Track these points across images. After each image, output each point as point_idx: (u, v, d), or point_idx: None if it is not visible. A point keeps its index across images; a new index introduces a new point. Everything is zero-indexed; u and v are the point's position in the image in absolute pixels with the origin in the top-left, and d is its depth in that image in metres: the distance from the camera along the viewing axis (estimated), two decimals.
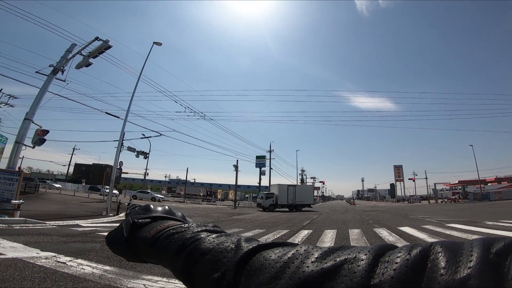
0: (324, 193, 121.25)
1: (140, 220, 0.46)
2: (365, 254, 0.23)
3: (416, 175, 64.06)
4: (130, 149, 23.77)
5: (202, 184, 79.74)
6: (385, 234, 8.50)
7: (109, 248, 0.51)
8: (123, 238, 0.45)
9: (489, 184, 57.55)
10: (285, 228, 10.99)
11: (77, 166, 66.21)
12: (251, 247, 0.29)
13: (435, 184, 62.12)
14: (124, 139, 19.49)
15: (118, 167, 19.61)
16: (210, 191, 58.98)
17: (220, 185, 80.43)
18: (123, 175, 40.15)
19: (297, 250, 0.26)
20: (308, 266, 0.24)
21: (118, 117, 18.41)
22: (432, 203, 48.81)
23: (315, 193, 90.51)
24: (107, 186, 28.23)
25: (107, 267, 4.33)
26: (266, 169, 43.91)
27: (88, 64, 13.55)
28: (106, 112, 18.75)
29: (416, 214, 18.12)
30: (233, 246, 0.30)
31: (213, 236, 0.35)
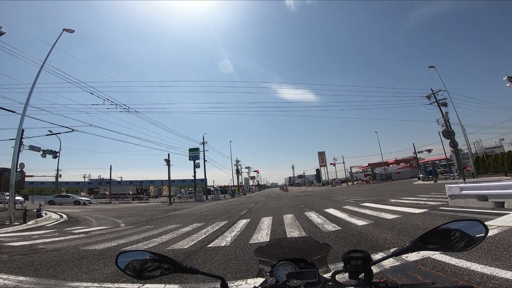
0: (260, 182, 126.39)
1: None
2: None
3: (336, 160, 72.27)
4: (33, 148, 20.10)
5: (131, 182, 73.21)
6: (314, 217, 9.48)
7: None
8: None
9: (391, 165, 69.46)
10: (223, 219, 11.12)
11: None
12: None
13: (350, 167, 71.88)
14: (24, 137, 16.37)
15: (18, 169, 16.30)
16: (141, 189, 54.63)
17: (152, 182, 75.14)
18: (28, 179, 33.65)
19: None
20: None
21: (14, 112, 15.19)
22: (349, 185, 56.27)
23: (251, 182, 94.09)
24: (7, 193, 23.35)
25: (21, 278, 3.82)
26: (201, 161, 43.19)
27: None
28: None
29: (338, 196, 20.67)
30: None
31: None
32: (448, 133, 26.57)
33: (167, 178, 36.46)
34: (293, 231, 7.15)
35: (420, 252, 3.53)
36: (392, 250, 0.96)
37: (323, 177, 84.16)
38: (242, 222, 9.65)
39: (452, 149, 26.77)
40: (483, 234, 0.85)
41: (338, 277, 0.95)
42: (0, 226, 10.42)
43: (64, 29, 15.77)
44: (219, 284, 0.96)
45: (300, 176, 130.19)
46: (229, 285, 0.97)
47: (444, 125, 27.95)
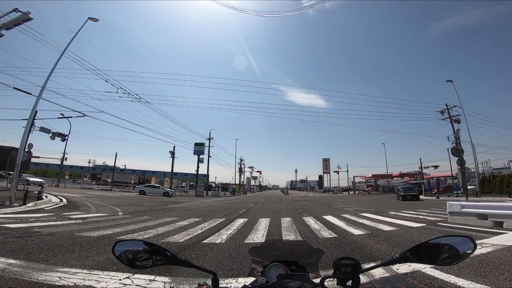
0: (261, 183, 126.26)
1: None
2: None
3: (340, 168, 72.15)
4: (43, 129, 20.47)
5: (133, 171, 73.97)
6: (312, 222, 9.42)
7: None
8: None
9: (395, 178, 68.60)
10: (221, 216, 11.13)
11: None
12: None
13: (354, 177, 71.25)
14: (36, 118, 16.70)
15: (26, 149, 16.56)
16: (143, 179, 54.97)
17: (154, 172, 75.90)
18: (34, 160, 34.24)
19: None
20: None
21: (30, 94, 15.60)
22: (351, 194, 55.83)
23: (253, 182, 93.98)
24: (26, 175, 24.12)
25: (12, 260, 3.81)
26: (205, 156, 43.28)
27: None
28: (14, 87, 15.75)
29: (338, 204, 20.53)
30: None
31: None
32: (457, 151, 26.20)
33: (170, 170, 36.63)
34: (290, 235, 7.12)
35: (412, 265, 3.50)
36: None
37: (325, 184, 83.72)
38: (240, 221, 9.64)
39: (459, 167, 26.43)
40: (470, 251, 0.86)
41: (327, 282, 0.96)
42: (0, 206, 10.58)
43: (89, 18, 16.00)
44: (210, 280, 0.96)
45: (302, 181, 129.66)
46: (219, 282, 0.96)
47: (454, 142, 27.58)
